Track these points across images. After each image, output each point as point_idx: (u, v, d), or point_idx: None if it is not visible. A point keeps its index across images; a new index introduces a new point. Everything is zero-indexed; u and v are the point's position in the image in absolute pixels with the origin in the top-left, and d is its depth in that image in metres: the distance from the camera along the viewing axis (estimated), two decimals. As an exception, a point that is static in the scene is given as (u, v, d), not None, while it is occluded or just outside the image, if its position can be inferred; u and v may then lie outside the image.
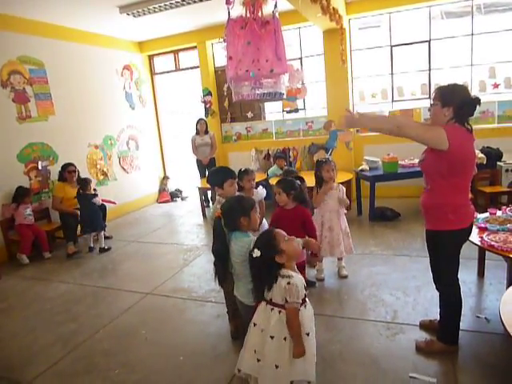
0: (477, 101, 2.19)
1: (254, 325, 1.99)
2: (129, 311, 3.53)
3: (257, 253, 1.90)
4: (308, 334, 1.95)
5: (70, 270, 4.73)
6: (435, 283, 2.54)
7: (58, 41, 6.12)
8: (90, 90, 6.72)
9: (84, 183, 5.32)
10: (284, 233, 2.03)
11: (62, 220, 5.44)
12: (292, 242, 1.97)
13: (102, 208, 5.78)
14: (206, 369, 2.62)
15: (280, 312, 1.90)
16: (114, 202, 6.02)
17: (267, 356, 1.91)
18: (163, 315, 3.43)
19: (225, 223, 2.26)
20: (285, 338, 1.88)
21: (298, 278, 1.90)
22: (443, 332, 2.56)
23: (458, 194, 2.28)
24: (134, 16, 5.89)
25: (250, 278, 2.07)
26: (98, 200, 5.40)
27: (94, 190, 5.48)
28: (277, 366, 1.88)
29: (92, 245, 5.40)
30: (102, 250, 5.29)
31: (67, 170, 5.49)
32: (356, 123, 2.35)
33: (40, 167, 5.76)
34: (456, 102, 2.18)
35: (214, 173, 3.15)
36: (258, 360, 1.94)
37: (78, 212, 5.40)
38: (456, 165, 2.18)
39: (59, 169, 5.63)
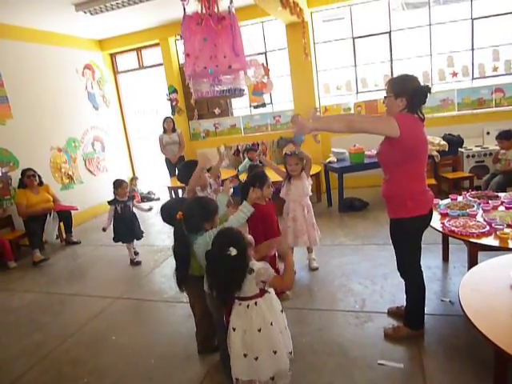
0: (427, 89, 2.26)
1: (234, 329, 1.95)
2: (98, 317, 3.45)
3: (233, 251, 1.82)
4: (272, 324, 1.95)
5: (35, 279, 4.58)
6: (399, 271, 2.60)
7: (13, 41, 5.87)
8: (50, 92, 6.49)
9: (116, 185, 4.61)
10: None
11: (27, 227, 5.25)
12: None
13: (66, 215, 5.64)
14: (177, 370, 2.60)
15: (256, 303, 1.91)
16: (75, 208, 5.86)
17: (263, 347, 1.91)
18: (133, 319, 3.38)
19: (186, 227, 2.19)
20: (271, 323, 1.91)
21: (257, 264, 1.94)
22: (409, 317, 2.63)
23: (415, 182, 2.34)
24: (91, 14, 5.71)
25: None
26: (139, 205, 4.90)
27: (130, 192, 4.78)
28: (275, 352, 1.91)
29: (134, 256, 4.72)
30: (133, 263, 4.67)
31: (26, 175, 5.30)
32: (310, 129, 2.28)
33: (0, 173, 5.54)
34: (408, 92, 2.24)
35: (182, 169, 3.10)
36: (256, 359, 1.91)
37: (50, 212, 5.25)
38: (409, 151, 2.24)
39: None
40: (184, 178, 2.97)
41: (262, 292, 1.93)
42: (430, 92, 2.26)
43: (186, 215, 2.20)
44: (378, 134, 2.27)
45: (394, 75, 6.34)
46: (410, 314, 2.63)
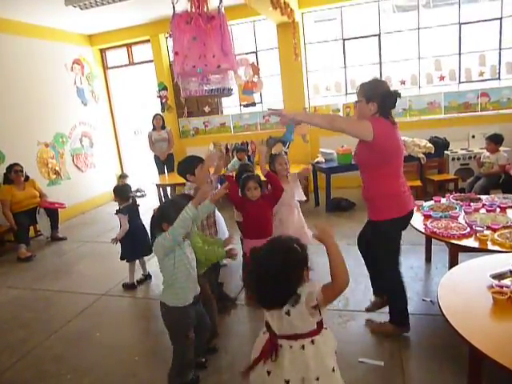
0: (396, 94, 2.35)
1: (287, 382, 1.48)
2: (82, 314, 3.44)
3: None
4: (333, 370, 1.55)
5: (20, 275, 4.54)
6: (376, 273, 2.65)
7: (0, 34, 5.79)
8: (38, 86, 6.42)
9: (118, 192, 3.76)
10: None
11: (15, 218, 5.13)
12: None
13: (53, 212, 5.59)
14: (161, 367, 2.58)
15: (313, 341, 1.50)
16: (63, 206, 5.80)
17: None
18: (118, 316, 3.38)
19: (153, 225, 2.24)
20: (333, 369, 1.53)
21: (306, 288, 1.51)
22: (394, 315, 2.68)
23: (388, 184, 2.41)
24: (81, 8, 5.65)
25: (171, 277, 2.05)
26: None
27: (135, 196, 3.86)
28: None
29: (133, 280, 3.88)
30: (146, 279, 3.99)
31: (13, 170, 5.21)
32: (289, 118, 2.50)
33: (-15, 169, 5.47)
34: (378, 97, 2.32)
35: (184, 161, 3.07)
36: None
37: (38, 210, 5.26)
38: (382, 154, 2.33)
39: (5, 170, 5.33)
40: (184, 171, 2.94)
41: (320, 326, 1.54)
42: (399, 97, 2.35)
43: (156, 216, 2.19)
44: (354, 136, 2.36)
45: (383, 77, 6.45)
46: (396, 312, 2.67)
